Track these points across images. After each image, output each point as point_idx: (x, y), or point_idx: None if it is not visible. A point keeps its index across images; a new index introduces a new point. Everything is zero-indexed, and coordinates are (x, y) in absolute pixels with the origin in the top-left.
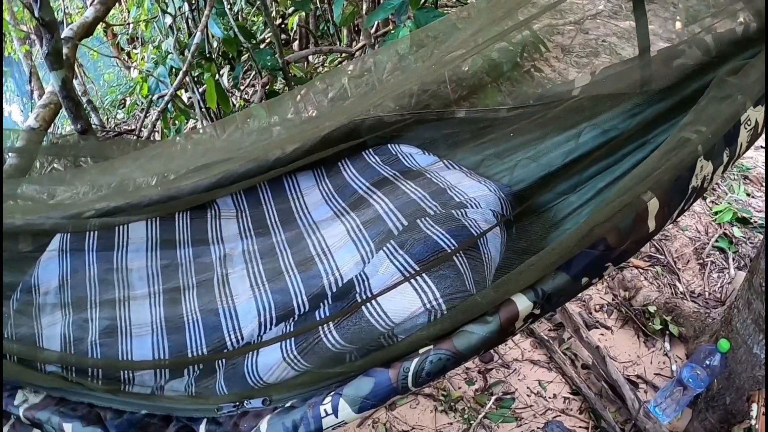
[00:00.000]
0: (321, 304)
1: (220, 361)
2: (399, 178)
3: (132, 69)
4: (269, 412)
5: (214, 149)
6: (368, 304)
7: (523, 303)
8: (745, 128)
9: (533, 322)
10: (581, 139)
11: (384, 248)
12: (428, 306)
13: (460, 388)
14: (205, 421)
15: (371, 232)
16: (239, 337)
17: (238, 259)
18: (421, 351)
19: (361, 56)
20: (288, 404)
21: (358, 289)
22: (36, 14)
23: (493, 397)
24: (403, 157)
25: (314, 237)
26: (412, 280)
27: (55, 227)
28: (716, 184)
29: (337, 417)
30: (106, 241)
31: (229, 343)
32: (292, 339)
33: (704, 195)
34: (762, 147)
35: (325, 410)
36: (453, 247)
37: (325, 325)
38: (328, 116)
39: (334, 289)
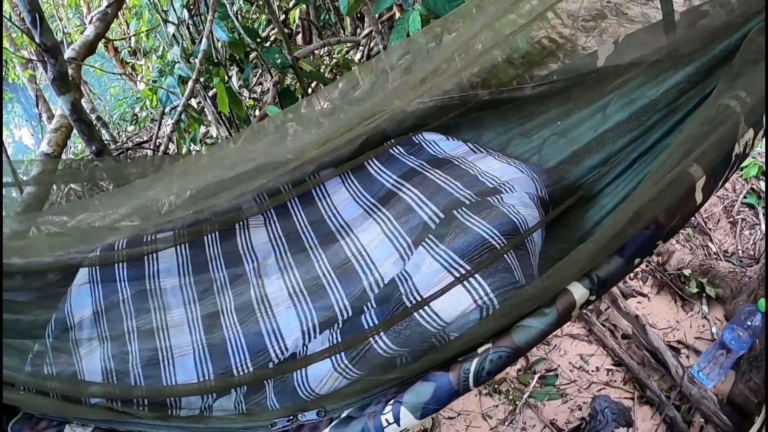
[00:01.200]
0: (365, 308)
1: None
2: (426, 167)
3: (138, 81)
4: (326, 425)
5: (244, 160)
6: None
7: (579, 291)
8: None
9: (587, 308)
10: (609, 111)
11: (423, 243)
12: (480, 302)
13: None
14: None
15: (406, 227)
16: (283, 349)
17: (272, 268)
18: (479, 350)
19: (378, 57)
20: (344, 414)
21: (402, 290)
22: (37, 40)
23: (536, 376)
24: (427, 145)
25: (348, 238)
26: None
27: (85, 262)
28: None
29: (399, 425)
30: (137, 269)
31: (273, 356)
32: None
33: None
34: None
35: (386, 419)
36: (495, 237)
37: (385, 345)
38: (352, 119)
39: (376, 291)
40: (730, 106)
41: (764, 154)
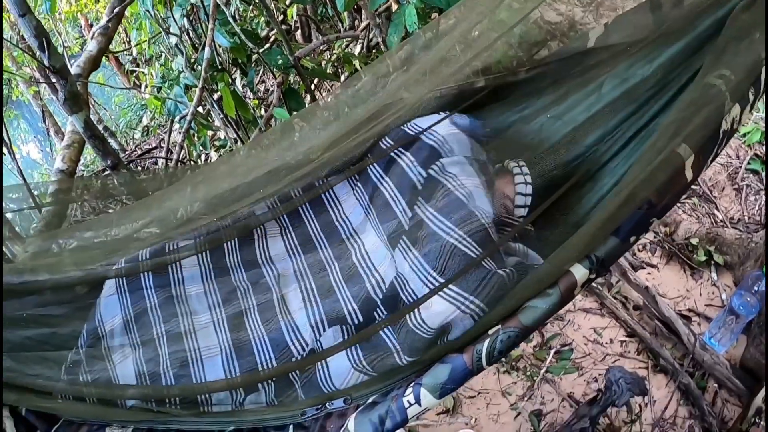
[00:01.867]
0: (375, 314)
1: (295, 375)
2: (401, 152)
3: (143, 89)
4: (353, 411)
5: (258, 166)
6: (411, 313)
7: (579, 272)
8: (766, 64)
9: (589, 286)
10: (603, 90)
11: (398, 245)
12: (463, 308)
13: (519, 346)
14: (291, 427)
15: (385, 225)
16: (303, 344)
17: (291, 278)
18: (490, 332)
19: (381, 58)
20: (370, 400)
21: (402, 296)
22: (46, 63)
23: (552, 351)
24: (408, 128)
25: (356, 245)
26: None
27: (110, 273)
28: None
29: (420, 405)
30: (162, 277)
31: (295, 352)
32: (359, 349)
33: None
34: None
35: (408, 401)
36: (451, 233)
37: (392, 343)
38: (359, 117)
39: (380, 295)
40: (715, 85)
41: (765, 119)
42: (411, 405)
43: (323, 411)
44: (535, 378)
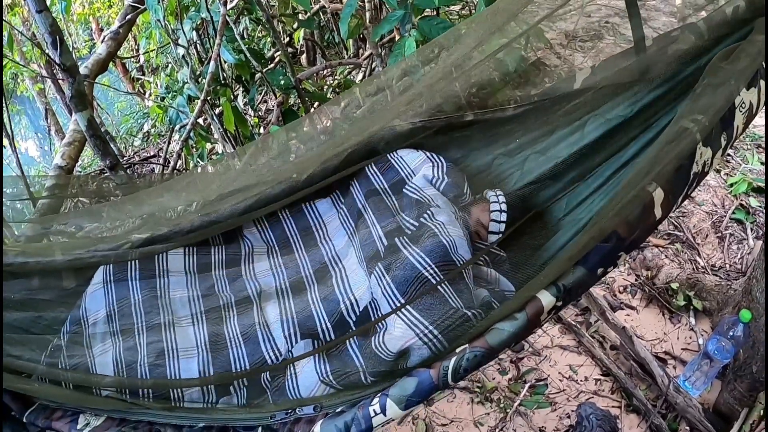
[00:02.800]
0: (348, 334)
1: (267, 382)
2: (387, 192)
3: (147, 97)
4: (321, 417)
5: (245, 174)
6: (375, 335)
7: (546, 298)
8: (740, 111)
9: (557, 313)
10: (586, 129)
11: (374, 272)
12: (421, 335)
13: (494, 378)
14: (260, 428)
15: (366, 252)
16: (277, 354)
17: (272, 294)
18: (457, 350)
19: (374, 75)
20: (339, 409)
21: (373, 319)
22: (57, 60)
23: (527, 385)
24: (396, 161)
25: (337, 268)
26: (402, 315)
27: (99, 261)
28: (728, 155)
29: (385, 415)
30: (148, 269)
31: (268, 359)
32: (327, 365)
33: (717, 168)
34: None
35: (374, 410)
36: (428, 268)
37: (360, 363)
38: (346, 136)
39: (353, 317)
40: (687, 128)
41: (753, 171)
42: (377, 414)
43: (292, 416)
44: (508, 410)
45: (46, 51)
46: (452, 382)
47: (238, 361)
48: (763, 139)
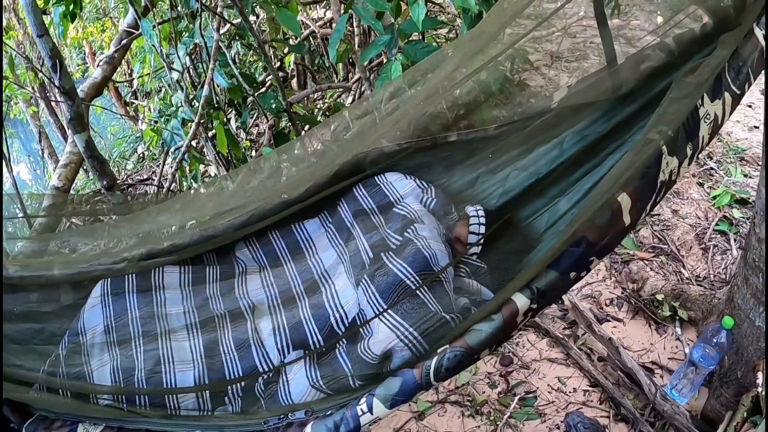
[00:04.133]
0: (337, 345)
1: (260, 391)
2: (375, 211)
3: (140, 121)
4: (312, 419)
5: (238, 195)
6: (361, 341)
7: (521, 300)
8: (705, 122)
9: (533, 316)
10: (564, 146)
11: (361, 283)
12: (402, 337)
13: (484, 392)
14: None
15: (354, 264)
16: (270, 365)
17: (264, 310)
18: (438, 350)
19: (362, 97)
20: (329, 412)
21: (361, 329)
22: (57, 83)
23: (516, 398)
24: (385, 186)
25: (326, 285)
26: (385, 319)
27: (99, 275)
28: (711, 169)
29: (372, 414)
30: (144, 285)
31: (261, 370)
32: (318, 371)
33: (701, 182)
34: (755, 127)
35: (361, 409)
36: (410, 276)
37: (348, 368)
38: (335, 156)
39: (342, 328)
40: (653, 139)
41: (737, 183)
42: (364, 413)
43: (285, 421)
44: (498, 422)
45: (40, 74)
46: (435, 381)
47: (232, 373)
48: (746, 151)
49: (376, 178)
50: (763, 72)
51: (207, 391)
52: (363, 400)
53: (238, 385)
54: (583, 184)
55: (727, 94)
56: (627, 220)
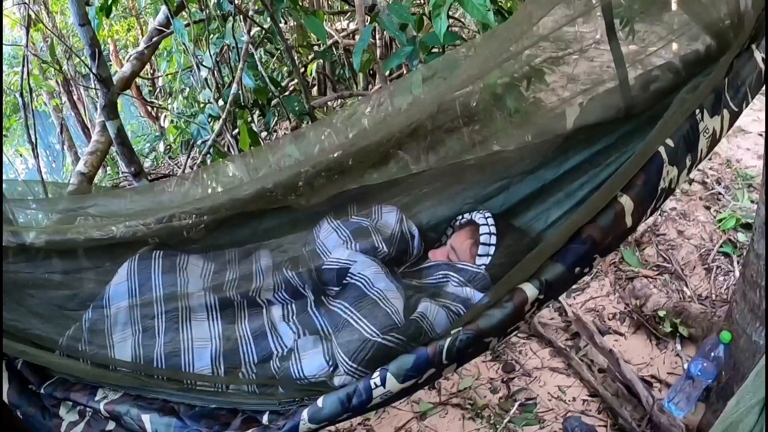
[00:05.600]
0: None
1: (276, 368)
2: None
3: (163, 119)
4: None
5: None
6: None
7: (530, 290)
8: (704, 136)
9: (539, 308)
10: (569, 154)
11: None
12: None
13: (485, 396)
14: (268, 412)
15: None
16: (284, 346)
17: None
18: (452, 332)
19: (378, 96)
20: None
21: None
22: (94, 71)
23: (517, 403)
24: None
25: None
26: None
27: (123, 240)
28: (719, 194)
29: (384, 387)
30: (169, 264)
31: (275, 352)
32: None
33: (707, 205)
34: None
35: (374, 383)
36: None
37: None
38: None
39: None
40: (655, 149)
41: (743, 209)
42: (377, 387)
43: (299, 404)
44: (497, 426)
45: (68, 67)
46: (446, 361)
47: (247, 355)
48: (755, 179)
49: (372, 207)
50: (762, 90)
51: (222, 369)
52: (377, 374)
53: (253, 365)
54: (585, 188)
55: (725, 111)
56: (629, 222)
